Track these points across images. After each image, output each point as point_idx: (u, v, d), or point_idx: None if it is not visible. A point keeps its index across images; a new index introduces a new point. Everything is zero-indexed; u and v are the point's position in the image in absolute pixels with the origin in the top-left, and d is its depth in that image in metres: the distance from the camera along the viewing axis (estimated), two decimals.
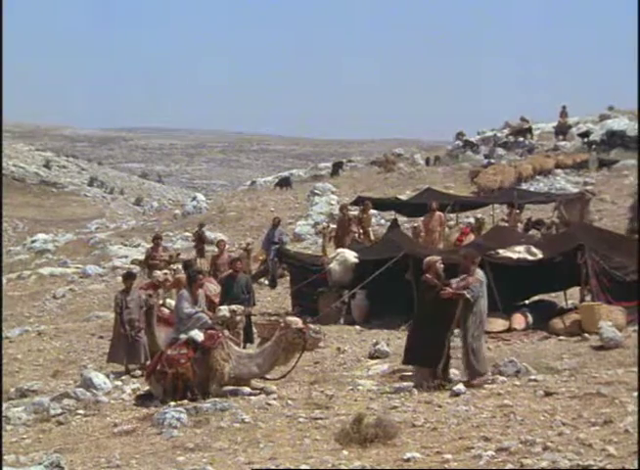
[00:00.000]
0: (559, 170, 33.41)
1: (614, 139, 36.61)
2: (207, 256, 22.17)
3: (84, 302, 23.45)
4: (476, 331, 10.61)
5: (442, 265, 10.98)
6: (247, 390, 11.03)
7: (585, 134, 38.75)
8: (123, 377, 13.58)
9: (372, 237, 21.81)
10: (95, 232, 38.66)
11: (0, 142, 66.39)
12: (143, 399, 11.43)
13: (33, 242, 37.04)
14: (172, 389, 11.11)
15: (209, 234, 26.69)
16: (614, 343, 12.05)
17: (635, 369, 10.09)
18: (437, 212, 21.28)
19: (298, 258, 19.76)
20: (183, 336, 11.44)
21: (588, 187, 29.17)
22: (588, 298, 14.47)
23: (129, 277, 14.69)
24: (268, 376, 11.51)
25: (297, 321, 11.48)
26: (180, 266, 17.43)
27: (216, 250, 19.37)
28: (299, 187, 39.09)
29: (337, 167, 42.90)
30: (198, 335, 11.37)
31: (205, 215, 34.20)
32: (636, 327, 13.25)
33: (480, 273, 10.82)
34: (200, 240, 23.85)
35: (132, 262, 26.56)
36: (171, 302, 14.25)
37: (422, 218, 22.38)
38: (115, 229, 38.52)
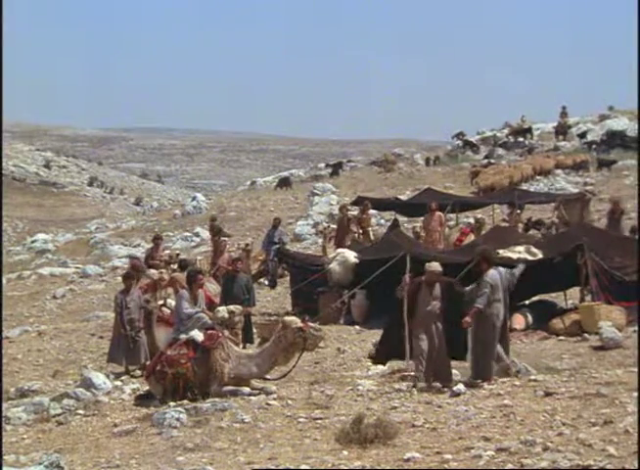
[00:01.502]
0: (559, 171, 33.42)
1: (613, 139, 36.60)
2: (208, 255, 22.08)
3: (84, 302, 23.41)
4: (488, 336, 10.56)
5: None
6: (246, 390, 11.03)
7: (582, 135, 38.79)
8: (123, 377, 13.57)
9: (372, 237, 21.81)
10: (95, 232, 38.62)
11: (0, 142, 66.32)
12: (143, 400, 11.42)
13: (33, 242, 36.99)
14: (172, 389, 11.11)
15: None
16: (613, 343, 12.06)
17: (635, 369, 10.09)
18: (437, 213, 21.26)
19: (298, 258, 19.76)
20: (183, 336, 11.44)
21: (588, 187, 29.20)
22: (588, 298, 14.47)
23: (129, 277, 14.68)
24: (268, 376, 11.50)
25: (295, 321, 11.47)
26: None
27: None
28: (299, 187, 39.09)
29: (337, 168, 42.90)
30: (198, 335, 11.37)
31: (205, 215, 34.17)
32: (636, 327, 13.25)
33: (490, 274, 10.70)
34: (217, 234, 23.59)
35: None
36: (172, 302, 14.24)
37: (422, 218, 22.38)
38: (115, 229, 38.47)
